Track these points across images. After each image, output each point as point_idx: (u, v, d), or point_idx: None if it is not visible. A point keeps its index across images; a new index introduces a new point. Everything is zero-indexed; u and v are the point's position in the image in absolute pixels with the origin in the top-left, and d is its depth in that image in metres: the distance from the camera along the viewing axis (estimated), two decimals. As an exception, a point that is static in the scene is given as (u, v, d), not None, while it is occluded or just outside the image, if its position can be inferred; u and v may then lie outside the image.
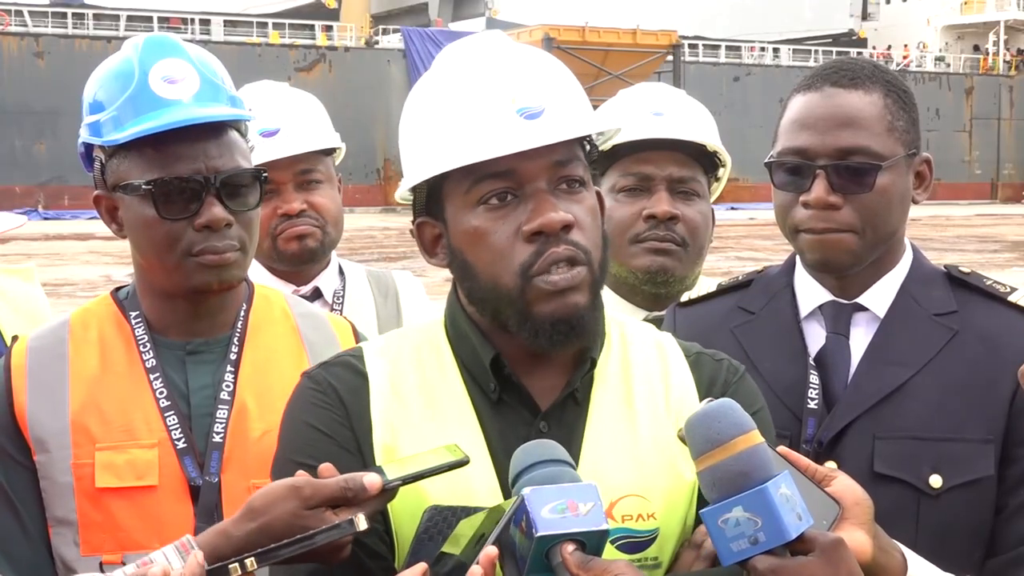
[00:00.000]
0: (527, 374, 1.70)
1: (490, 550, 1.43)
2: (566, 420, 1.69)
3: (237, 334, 2.12)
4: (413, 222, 1.75)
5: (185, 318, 2.09)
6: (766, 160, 2.07)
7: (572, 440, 1.65)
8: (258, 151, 2.89)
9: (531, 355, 1.68)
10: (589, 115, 1.71)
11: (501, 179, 1.63)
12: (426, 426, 1.67)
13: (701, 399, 1.72)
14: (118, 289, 2.18)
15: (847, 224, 2.00)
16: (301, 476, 1.53)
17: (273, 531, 1.51)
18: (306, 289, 3.01)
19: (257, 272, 3.01)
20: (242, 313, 2.14)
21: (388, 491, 1.53)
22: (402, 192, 1.74)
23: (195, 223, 1.98)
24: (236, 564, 1.45)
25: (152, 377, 2.04)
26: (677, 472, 1.68)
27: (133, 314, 2.10)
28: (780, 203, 2.07)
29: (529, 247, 1.62)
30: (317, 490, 1.50)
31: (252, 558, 1.45)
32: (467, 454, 1.57)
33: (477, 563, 1.42)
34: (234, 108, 2.06)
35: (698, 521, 1.69)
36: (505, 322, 1.66)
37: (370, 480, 1.51)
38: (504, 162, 1.61)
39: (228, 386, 2.06)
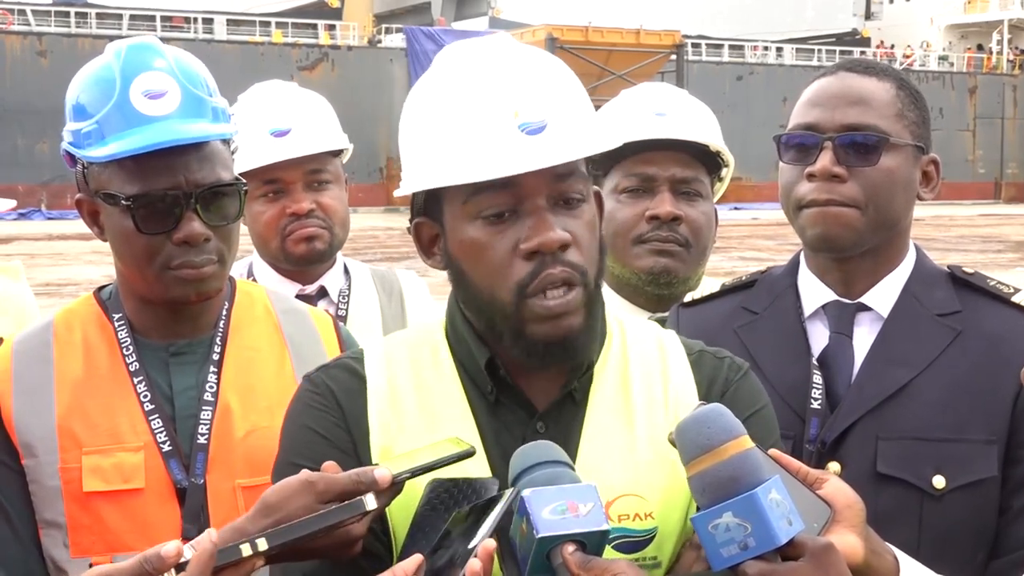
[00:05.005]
0: (524, 375, 1.70)
1: (488, 543, 1.43)
2: (563, 420, 1.69)
3: (219, 334, 2.13)
4: (411, 220, 1.75)
5: (167, 321, 2.10)
6: (775, 135, 2.09)
7: (569, 440, 1.65)
8: (268, 151, 2.92)
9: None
10: (591, 132, 1.68)
11: (500, 194, 1.62)
12: (423, 427, 1.68)
13: (701, 398, 1.72)
14: (101, 288, 2.18)
15: (850, 198, 2.01)
16: (312, 472, 1.54)
17: None
18: (312, 288, 3.03)
19: (263, 271, 3.04)
20: (224, 313, 2.15)
21: (397, 484, 1.54)
22: (401, 193, 1.74)
23: (173, 237, 1.99)
24: (247, 544, 1.46)
25: (136, 380, 2.05)
26: (675, 471, 1.67)
27: (116, 316, 2.11)
28: (785, 180, 2.09)
29: (526, 265, 1.62)
30: (330, 485, 1.52)
31: (263, 538, 1.46)
32: (471, 445, 1.58)
33: (475, 556, 1.43)
34: (216, 124, 2.05)
35: None
36: (500, 334, 1.67)
37: (380, 473, 1.52)
38: (503, 177, 1.61)
39: (211, 387, 2.08)
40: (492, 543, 1.43)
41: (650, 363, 1.76)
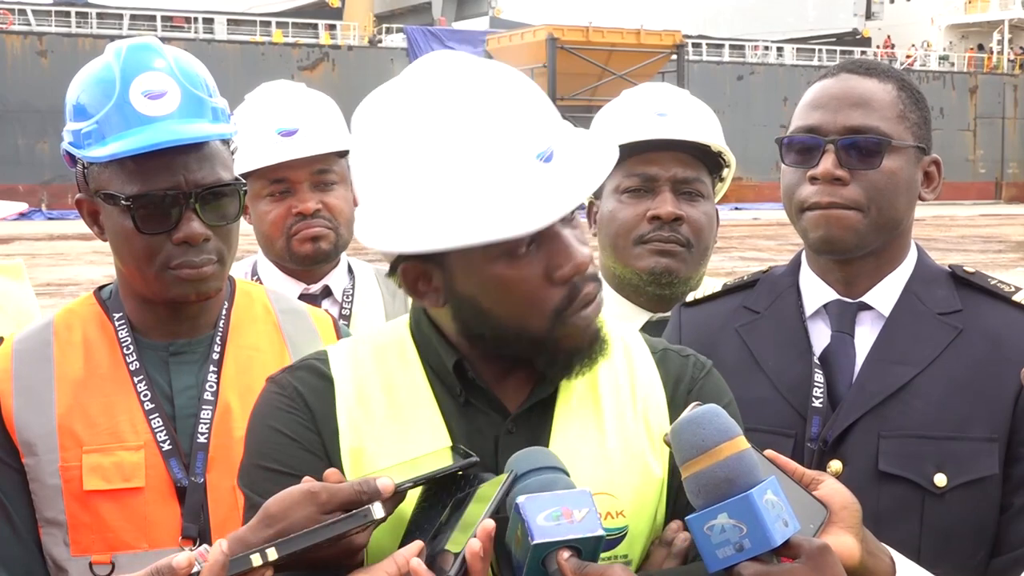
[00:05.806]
0: (493, 377, 1.69)
1: (487, 523, 1.44)
2: (533, 421, 1.69)
3: (219, 334, 2.14)
4: (394, 264, 1.65)
5: (167, 321, 2.11)
6: (777, 138, 2.09)
7: (539, 441, 1.65)
8: (275, 150, 2.94)
9: (496, 359, 1.68)
10: (600, 148, 1.64)
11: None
12: (392, 428, 1.67)
13: (667, 396, 1.74)
14: (101, 288, 2.19)
15: (852, 200, 2.01)
16: (315, 482, 1.53)
17: None
18: (316, 288, 3.06)
19: (268, 270, 3.05)
20: (224, 312, 2.16)
21: (399, 494, 1.54)
22: (387, 249, 1.62)
23: (173, 237, 2.00)
24: (257, 554, 1.46)
25: (136, 379, 2.06)
26: (646, 470, 1.68)
27: (116, 315, 2.12)
28: (788, 183, 2.09)
29: (561, 290, 1.61)
30: (333, 495, 1.51)
31: (273, 547, 1.46)
32: (474, 454, 1.59)
33: (475, 536, 1.43)
34: (215, 124, 2.05)
35: (668, 518, 1.69)
36: (529, 358, 1.66)
37: (383, 483, 1.52)
38: None
39: (211, 386, 2.09)
40: (491, 523, 1.44)
41: (616, 363, 1.75)
